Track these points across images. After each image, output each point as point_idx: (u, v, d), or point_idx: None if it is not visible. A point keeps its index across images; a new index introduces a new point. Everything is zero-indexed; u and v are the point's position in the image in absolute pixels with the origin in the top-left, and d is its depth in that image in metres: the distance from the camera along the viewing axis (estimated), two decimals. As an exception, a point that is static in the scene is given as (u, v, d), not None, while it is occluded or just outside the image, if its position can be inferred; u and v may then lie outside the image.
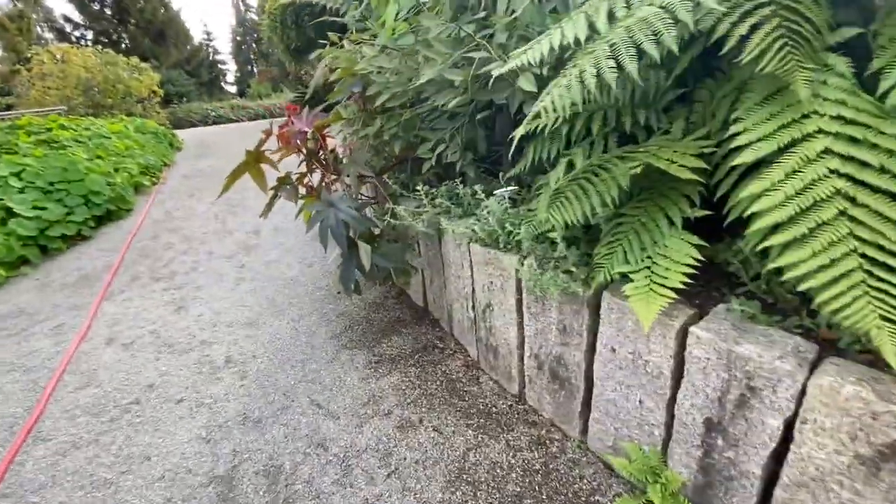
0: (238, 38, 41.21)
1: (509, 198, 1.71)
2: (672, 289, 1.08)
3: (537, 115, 0.98)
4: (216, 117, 18.85)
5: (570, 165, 1.34)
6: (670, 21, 0.92)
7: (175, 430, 1.79)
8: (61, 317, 2.76)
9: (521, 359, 1.71)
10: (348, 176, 1.92)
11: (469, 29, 1.52)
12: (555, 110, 0.94)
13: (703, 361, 1.07)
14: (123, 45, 23.72)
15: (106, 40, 22.69)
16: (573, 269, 1.29)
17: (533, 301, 1.53)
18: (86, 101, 11.37)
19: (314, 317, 2.55)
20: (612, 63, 0.88)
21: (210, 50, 37.89)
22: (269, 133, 1.83)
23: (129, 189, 5.17)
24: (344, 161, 2.22)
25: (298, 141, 1.82)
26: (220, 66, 39.47)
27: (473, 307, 1.91)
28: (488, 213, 1.56)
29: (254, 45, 41.06)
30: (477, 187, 1.74)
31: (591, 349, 1.39)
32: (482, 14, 1.54)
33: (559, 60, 1.32)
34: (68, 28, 22.70)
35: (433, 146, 1.96)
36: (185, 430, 1.78)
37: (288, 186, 2.12)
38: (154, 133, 8.62)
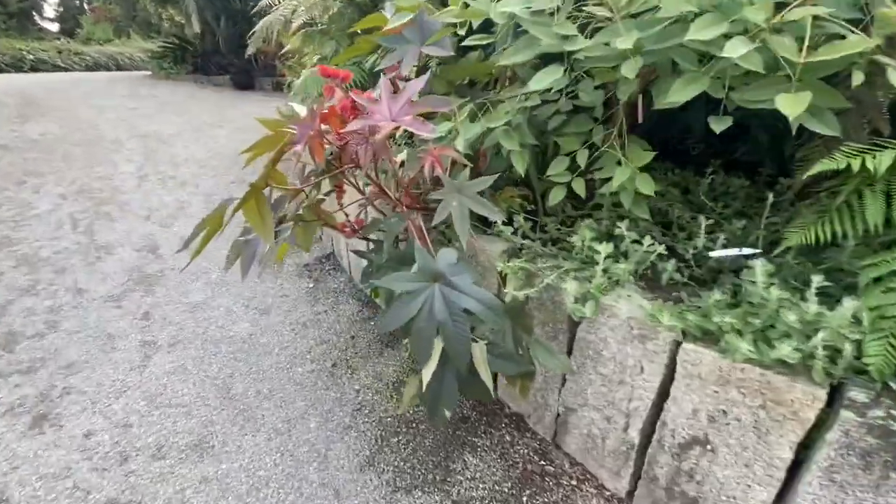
0: (61, -39, 32.47)
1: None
2: None
3: None
4: (37, 62, 14.42)
5: None
6: None
7: None
8: None
9: (769, 534, 1.06)
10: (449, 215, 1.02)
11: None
12: None
13: None
14: None
15: None
16: None
17: (854, 466, 0.88)
18: None
19: (313, 422, 1.57)
20: None
21: (18, -29, 29.27)
22: (320, 117, 0.80)
23: None
24: (407, 179, 1.28)
25: (375, 149, 0.85)
26: (34, -6, 30.81)
27: (645, 431, 1.20)
28: (800, 321, 0.84)
29: (83, -26, 32.76)
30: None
31: None
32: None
33: None
34: None
35: (582, 164, 1.16)
36: None
37: (300, 224, 1.14)
38: (-63, 78, 5.88)
